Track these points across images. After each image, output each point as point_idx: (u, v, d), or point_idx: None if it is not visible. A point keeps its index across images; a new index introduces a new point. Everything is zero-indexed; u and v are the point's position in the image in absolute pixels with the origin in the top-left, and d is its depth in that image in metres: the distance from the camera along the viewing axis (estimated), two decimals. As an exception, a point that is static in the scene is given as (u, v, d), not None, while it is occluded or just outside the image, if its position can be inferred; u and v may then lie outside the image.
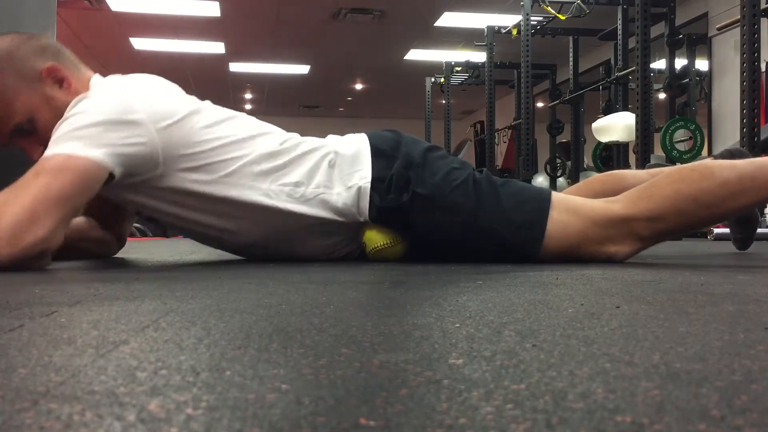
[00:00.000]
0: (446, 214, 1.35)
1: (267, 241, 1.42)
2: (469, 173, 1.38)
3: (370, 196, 1.35)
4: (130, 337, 0.48)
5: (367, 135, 1.46)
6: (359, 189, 1.35)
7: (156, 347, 0.44)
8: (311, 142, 1.42)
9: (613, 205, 1.33)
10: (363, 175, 1.36)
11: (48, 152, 1.16)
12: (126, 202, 1.37)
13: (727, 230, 2.06)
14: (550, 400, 0.31)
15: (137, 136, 1.22)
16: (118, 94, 1.25)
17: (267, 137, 1.38)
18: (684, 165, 1.38)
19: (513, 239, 1.34)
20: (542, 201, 1.36)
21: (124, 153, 1.20)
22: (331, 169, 1.37)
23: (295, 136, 1.43)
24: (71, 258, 1.49)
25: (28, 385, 0.33)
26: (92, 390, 0.33)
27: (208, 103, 1.40)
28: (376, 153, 1.39)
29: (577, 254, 1.35)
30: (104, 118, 1.20)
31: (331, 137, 1.48)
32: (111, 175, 1.20)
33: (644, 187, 1.34)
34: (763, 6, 3.33)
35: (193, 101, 1.36)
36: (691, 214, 1.29)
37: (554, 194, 1.39)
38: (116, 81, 1.32)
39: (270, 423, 0.27)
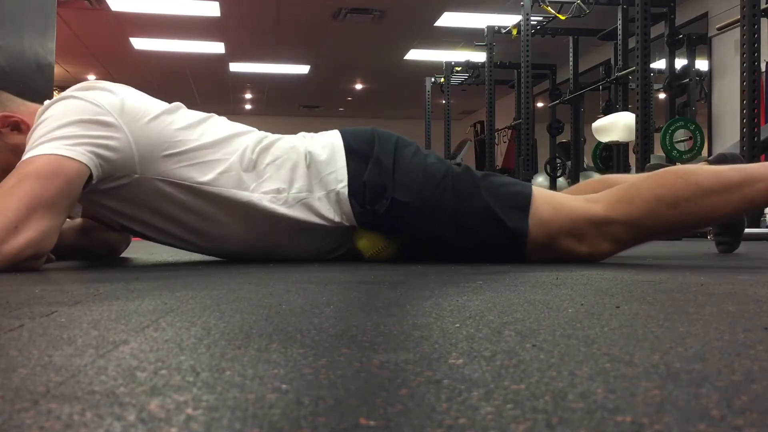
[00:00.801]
0: (428, 216, 1.34)
1: (254, 247, 1.41)
2: (447, 169, 1.37)
3: (351, 203, 1.34)
4: (130, 337, 0.48)
5: (341, 132, 1.44)
6: (338, 194, 1.35)
7: (156, 347, 0.44)
8: (284, 142, 1.39)
9: (595, 205, 1.33)
10: (339, 178, 1.35)
11: (27, 154, 1.15)
12: (107, 212, 1.35)
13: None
14: (550, 400, 0.31)
15: (111, 137, 1.21)
16: (87, 96, 1.23)
17: (242, 138, 1.36)
18: (669, 168, 1.37)
19: (495, 237, 1.34)
20: (524, 196, 1.35)
21: (101, 153, 1.19)
22: (308, 170, 1.36)
23: (268, 137, 1.41)
24: (75, 258, 1.49)
25: (28, 385, 0.33)
26: (92, 390, 0.33)
27: (178, 104, 1.38)
28: (350, 151, 1.37)
29: (555, 250, 1.35)
30: (77, 118, 1.19)
31: (302, 135, 1.45)
32: (90, 177, 1.19)
33: (625, 188, 1.33)
34: (763, 6, 3.33)
35: (161, 103, 1.34)
36: (671, 221, 1.29)
37: (535, 189, 1.38)
38: (80, 87, 1.29)
39: (270, 423, 0.27)
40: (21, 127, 1.27)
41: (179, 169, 1.28)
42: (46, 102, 1.25)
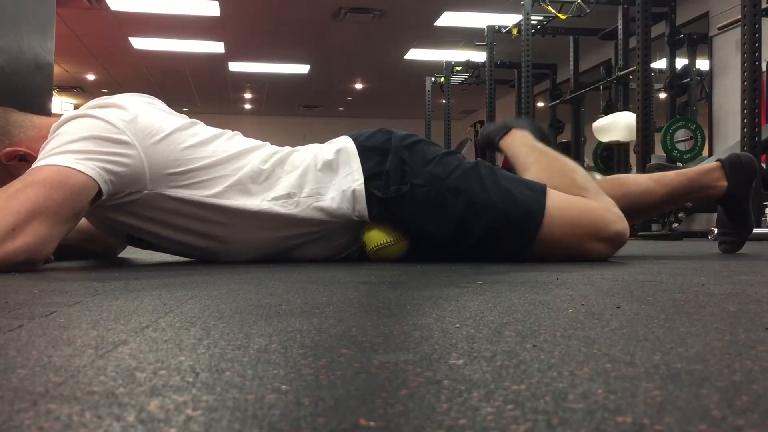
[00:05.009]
0: (447, 198, 1.35)
1: (270, 251, 1.42)
2: (462, 160, 1.42)
3: (369, 194, 1.35)
4: (130, 337, 0.48)
5: (351, 136, 1.45)
6: (354, 192, 1.35)
7: (155, 347, 0.44)
8: (298, 155, 1.41)
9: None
10: (355, 177, 1.36)
11: (38, 163, 1.16)
12: (119, 226, 1.35)
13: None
14: (551, 400, 0.31)
15: (123, 154, 1.21)
16: (101, 114, 1.24)
17: (254, 153, 1.37)
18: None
19: (514, 214, 1.35)
20: (539, 184, 1.40)
21: (111, 170, 1.20)
22: (319, 174, 1.37)
23: (282, 150, 1.42)
24: (74, 258, 1.49)
25: (27, 386, 0.33)
26: (91, 390, 0.33)
27: (194, 121, 1.38)
28: (365, 150, 1.39)
29: (571, 247, 1.37)
30: (90, 134, 1.20)
31: (313, 146, 1.46)
32: (99, 192, 1.19)
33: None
34: (763, 6, 3.33)
35: (176, 119, 1.34)
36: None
37: (549, 198, 1.40)
38: (94, 105, 1.29)
39: (270, 423, 0.27)
40: (27, 158, 1.26)
41: (189, 185, 1.29)
42: (62, 118, 1.26)
